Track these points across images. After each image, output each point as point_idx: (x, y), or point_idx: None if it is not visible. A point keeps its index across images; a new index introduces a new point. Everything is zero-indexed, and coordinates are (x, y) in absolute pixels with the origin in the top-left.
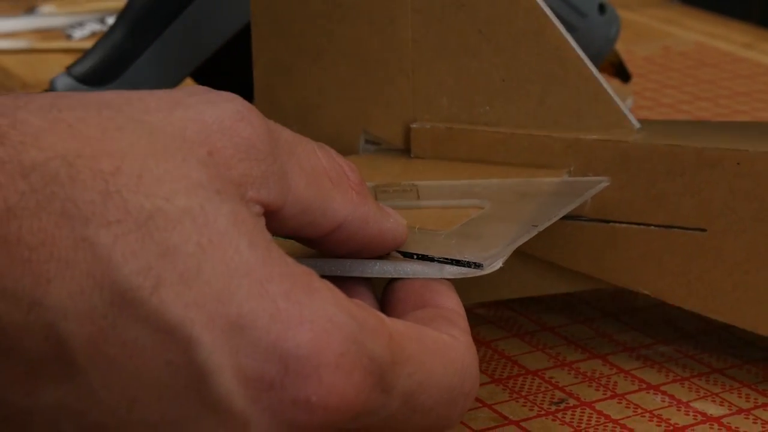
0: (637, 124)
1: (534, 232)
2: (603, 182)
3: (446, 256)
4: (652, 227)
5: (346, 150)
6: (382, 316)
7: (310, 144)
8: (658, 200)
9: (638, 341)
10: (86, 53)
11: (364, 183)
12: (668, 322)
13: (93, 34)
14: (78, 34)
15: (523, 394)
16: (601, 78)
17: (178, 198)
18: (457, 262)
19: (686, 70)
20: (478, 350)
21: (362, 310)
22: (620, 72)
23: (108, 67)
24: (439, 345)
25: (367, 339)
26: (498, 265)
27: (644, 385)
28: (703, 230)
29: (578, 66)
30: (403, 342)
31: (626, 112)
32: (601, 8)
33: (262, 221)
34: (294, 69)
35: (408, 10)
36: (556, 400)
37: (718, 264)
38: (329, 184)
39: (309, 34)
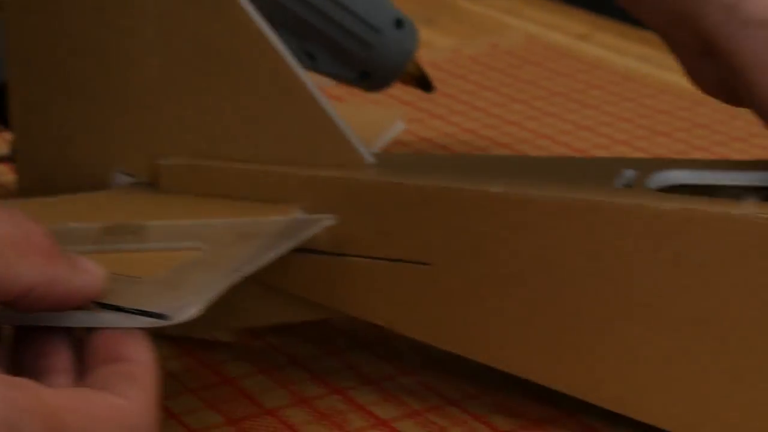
0: (370, 160)
1: (236, 278)
2: (325, 221)
3: (136, 307)
4: (381, 261)
5: (100, 185)
6: (42, 391)
7: None
8: (385, 235)
9: (383, 373)
10: None
11: (54, 245)
12: (417, 351)
13: None
14: None
15: None
16: (336, 115)
17: None
18: (146, 313)
19: (509, 69)
20: (221, 389)
21: (17, 390)
22: (422, 83)
23: None
24: (108, 411)
25: (22, 420)
26: (191, 314)
27: (376, 422)
28: (427, 264)
29: (313, 105)
30: (64, 416)
31: (359, 148)
32: (398, 23)
33: None
34: (48, 106)
35: (152, 49)
36: None
37: (440, 296)
38: (12, 251)
39: (61, 72)
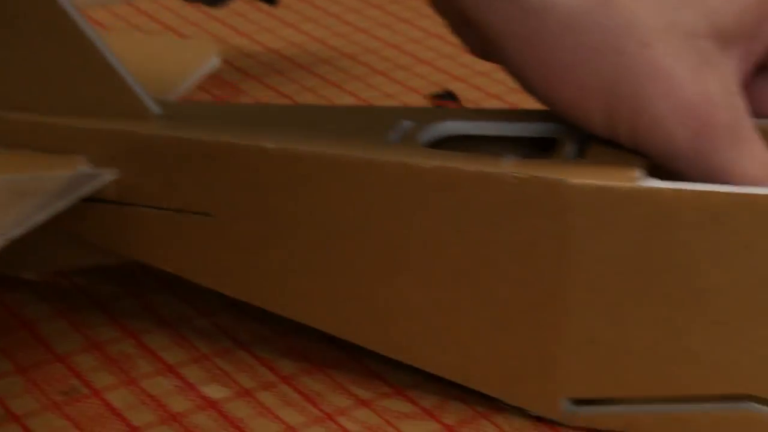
0: (157, 111)
1: (2, 243)
2: (106, 175)
3: None
4: (167, 211)
5: None
6: None
7: None
8: (170, 187)
9: (180, 314)
10: None
11: None
12: (217, 292)
13: None
14: None
15: (39, 383)
16: (119, 66)
17: None
18: None
19: None
20: (18, 333)
21: None
22: None
23: None
24: None
25: None
26: None
27: (162, 367)
28: (209, 215)
29: (98, 56)
30: None
31: (147, 100)
32: None
33: None
34: None
35: None
36: (66, 390)
37: (222, 246)
38: None
39: None
